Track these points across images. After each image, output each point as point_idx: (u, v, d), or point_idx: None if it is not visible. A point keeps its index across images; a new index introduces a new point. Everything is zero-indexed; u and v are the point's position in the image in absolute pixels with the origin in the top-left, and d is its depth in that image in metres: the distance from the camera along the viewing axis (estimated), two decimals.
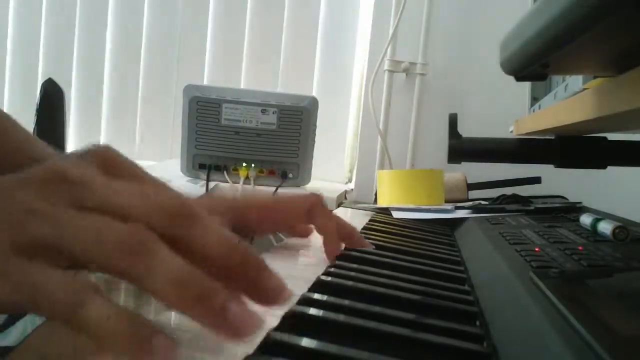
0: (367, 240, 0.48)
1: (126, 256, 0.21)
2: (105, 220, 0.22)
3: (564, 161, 0.72)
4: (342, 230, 0.46)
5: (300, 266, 0.44)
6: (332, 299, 0.31)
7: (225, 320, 0.21)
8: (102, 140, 1.77)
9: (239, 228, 0.44)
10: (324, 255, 0.44)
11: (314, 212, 0.45)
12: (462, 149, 0.77)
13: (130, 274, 0.21)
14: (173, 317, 0.27)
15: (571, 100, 0.56)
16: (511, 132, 0.87)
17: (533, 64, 0.41)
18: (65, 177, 0.23)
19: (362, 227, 0.62)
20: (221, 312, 0.21)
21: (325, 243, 0.44)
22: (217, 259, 0.24)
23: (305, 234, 0.51)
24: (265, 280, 0.25)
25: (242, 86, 1.61)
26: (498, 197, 0.91)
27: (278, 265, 0.43)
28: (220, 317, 0.21)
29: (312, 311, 0.29)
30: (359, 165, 1.50)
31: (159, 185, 0.27)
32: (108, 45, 1.76)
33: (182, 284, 0.21)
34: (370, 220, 0.69)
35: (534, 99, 0.87)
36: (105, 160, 0.26)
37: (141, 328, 0.20)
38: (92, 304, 0.20)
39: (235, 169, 1.32)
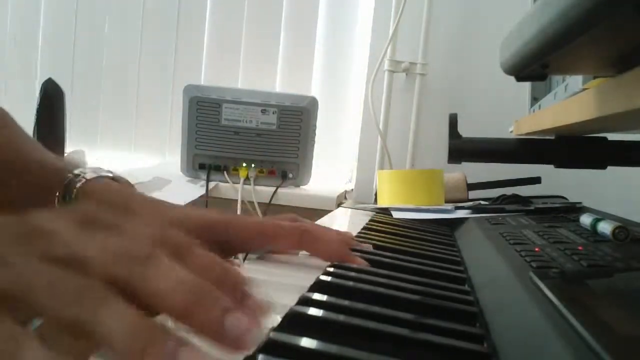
0: (358, 259, 0.45)
1: (76, 307, 0.21)
2: (61, 272, 0.22)
3: (564, 161, 0.72)
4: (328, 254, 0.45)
5: (300, 266, 0.44)
6: (332, 299, 0.31)
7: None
8: (101, 140, 1.77)
9: (219, 245, 0.43)
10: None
11: (306, 239, 0.44)
12: (462, 149, 0.77)
13: (79, 324, 0.21)
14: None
15: (571, 100, 0.56)
16: (511, 132, 0.87)
17: (533, 64, 0.41)
18: (37, 230, 0.24)
19: (362, 227, 0.62)
20: (173, 358, 0.20)
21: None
22: (173, 303, 0.23)
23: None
24: (230, 326, 0.22)
25: (240, 86, 1.61)
26: (498, 197, 0.91)
27: (277, 265, 0.43)
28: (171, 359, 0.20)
29: (312, 311, 0.29)
30: (359, 165, 1.50)
31: (129, 232, 0.26)
32: (106, 46, 1.76)
33: (130, 333, 0.21)
34: (370, 220, 0.69)
35: (534, 99, 0.87)
36: (84, 218, 0.26)
37: None
38: (27, 351, 0.20)
39: (235, 169, 1.32)
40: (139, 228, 0.27)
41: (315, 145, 1.34)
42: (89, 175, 0.46)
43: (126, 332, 0.21)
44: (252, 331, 0.23)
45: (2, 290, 0.22)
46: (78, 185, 0.45)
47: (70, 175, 0.46)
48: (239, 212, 1.26)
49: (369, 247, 0.48)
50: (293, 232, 0.44)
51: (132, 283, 0.23)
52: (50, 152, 0.51)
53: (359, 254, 0.45)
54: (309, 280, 0.35)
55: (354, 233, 0.55)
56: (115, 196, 0.45)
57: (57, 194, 0.45)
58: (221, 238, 0.43)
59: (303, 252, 0.47)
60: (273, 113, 1.29)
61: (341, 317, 0.28)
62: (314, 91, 1.56)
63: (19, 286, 0.22)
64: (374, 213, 0.81)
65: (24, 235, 0.24)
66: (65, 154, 1.41)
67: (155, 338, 0.21)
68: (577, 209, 0.74)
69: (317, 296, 0.32)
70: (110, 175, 0.48)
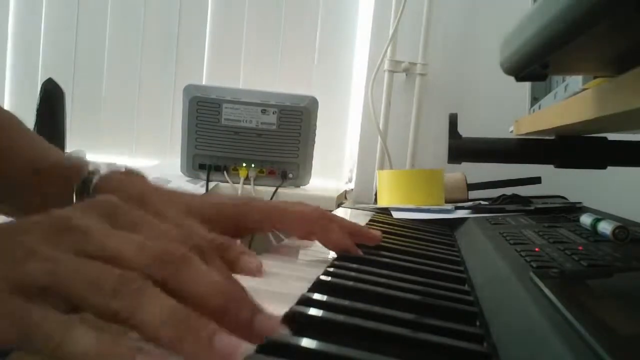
0: (373, 231, 0.50)
1: (118, 298, 0.23)
2: (101, 266, 0.24)
3: (564, 161, 0.72)
4: (349, 234, 0.47)
5: (300, 266, 0.44)
6: (332, 299, 0.31)
7: (214, 351, 0.22)
8: (101, 140, 1.77)
9: (240, 229, 0.46)
10: (324, 255, 0.45)
11: (317, 228, 0.46)
12: (462, 149, 0.77)
13: (121, 314, 0.23)
14: None
15: (571, 100, 0.56)
16: (511, 132, 0.87)
17: (533, 64, 0.41)
18: (69, 226, 0.25)
19: None
20: (209, 344, 0.22)
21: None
22: (208, 303, 0.25)
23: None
24: (259, 325, 0.24)
25: (241, 86, 1.61)
26: (498, 197, 0.91)
27: (278, 265, 0.43)
28: (208, 349, 0.22)
29: (312, 311, 0.29)
30: (359, 165, 1.50)
31: (159, 232, 0.28)
32: (107, 46, 1.76)
33: (169, 319, 0.22)
34: (370, 220, 0.69)
35: (534, 99, 0.87)
36: (110, 211, 0.28)
37: (123, 353, 0.21)
38: (76, 334, 0.21)
39: (235, 169, 1.32)
40: (165, 227, 0.29)
41: (315, 145, 1.34)
42: (103, 171, 0.47)
43: (166, 321, 0.22)
44: (279, 331, 0.25)
45: (43, 284, 0.23)
46: (95, 180, 0.46)
47: (85, 172, 0.47)
48: None
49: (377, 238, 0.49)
50: (300, 220, 0.46)
51: (168, 284, 0.25)
52: (60, 151, 0.52)
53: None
54: (309, 280, 0.35)
55: None
56: (131, 188, 0.45)
57: (75, 191, 0.46)
58: (236, 221, 0.46)
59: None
60: (273, 113, 1.29)
61: (341, 317, 0.28)
62: (314, 91, 1.56)
63: (59, 280, 0.23)
64: (374, 213, 0.81)
65: (57, 231, 0.25)
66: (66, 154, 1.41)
67: (194, 324, 0.23)
68: (577, 209, 0.74)
69: (317, 296, 0.32)
70: (124, 169, 0.49)
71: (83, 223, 0.26)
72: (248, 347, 0.23)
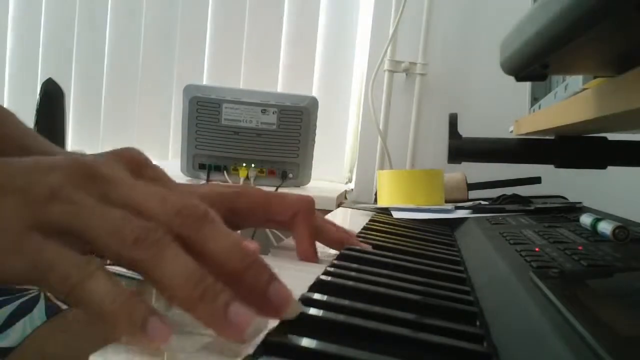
0: (362, 243, 0.48)
1: (139, 249, 0.22)
2: (125, 214, 0.23)
3: (564, 161, 0.72)
4: (331, 238, 0.47)
5: (301, 266, 0.44)
6: (332, 299, 0.31)
7: (226, 320, 0.22)
8: (101, 140, 1.77)
9: (228, 217, 0.44)
10: (324, 255, 0.45)
11: (298, 218, 0.44)
12: (462, 149, 0.77)
13: (141, 265, 0.23)
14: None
15: (571, 100, 0.56)
16: (511, 132, 0.87)
17: (533, 64, 0.41)
18: (95, 172, 0.25)
19: (362, 227, 0.62)
20: (223, 312, 0.22)
21: (298, 250, 0.45)
22: (228, 263, 0.24)
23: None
24: (274, 291, 0.24)
25: (241, 86, 1.61)
26: (498, 197, 0.91)
27: (278, 265, 0.43)
28: (221, 317, 0.22)
29: (312, 311, 0.29)
30: (359, 165, 1.50)
31: (179, 191, 0.28)
32: (107, 46, 1.76)
33: (188, 281, 0.22)
34: (370, 220, 0.69)
35: (534, 99, 0.87)
36: (135, 164, 0.28)
37: (139, 309, 0.21)
38: (95, 281, 0.21)
39: (235, 169, 1.32)
40: (187, 186, 0.29)
41: (315, 145, 1.34)
42: None
43: (184, 281, 0.22)
44: (292, 302, 0.25)
45: (65, 225, 0.23)
46: None
47: None
48: None
49: (367, 247, 0.48)
50: (294, 206, 0.45)
51: (190, 239, 0.24)
52: (56, 146, 0.52)
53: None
54: (309, 280, 0.35)
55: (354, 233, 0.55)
56: None
57: None
58: (229, 207, 0.44)
59: None
60: (273, 113, 1.29)
61: (341, 317, 0.28)
62: (314, 91, 1.56)
63: (81, 224, 0.23)
64: (374, 213, 0.81)
65: (83, 176, 0.25)
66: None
67: (211, 288, 0.22)
68: (577, 209, 0.74)
69: (317, 296, 0.32)
70: None
71: (108, 171, 0.26)
72: (260, 322, 0.23)
